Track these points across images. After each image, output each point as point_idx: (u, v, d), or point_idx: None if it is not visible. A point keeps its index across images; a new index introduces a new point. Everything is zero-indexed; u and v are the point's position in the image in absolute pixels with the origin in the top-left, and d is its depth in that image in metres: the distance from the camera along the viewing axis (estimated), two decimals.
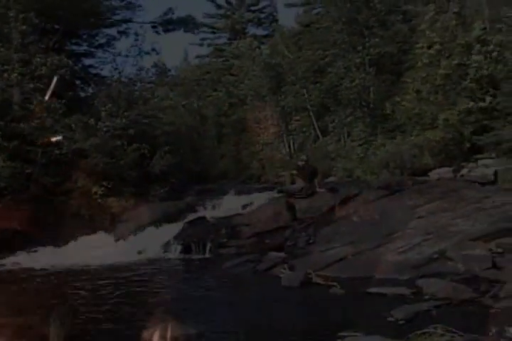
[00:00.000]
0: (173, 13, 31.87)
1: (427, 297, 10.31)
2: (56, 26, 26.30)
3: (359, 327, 8.40)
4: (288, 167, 29.19)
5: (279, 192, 20.60)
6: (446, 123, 22.57)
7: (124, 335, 9.08)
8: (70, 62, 24.33)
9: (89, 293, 12.64)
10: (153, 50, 29.86)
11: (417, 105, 25.02)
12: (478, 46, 23.59)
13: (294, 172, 21.67)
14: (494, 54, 23.40)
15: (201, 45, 56.53)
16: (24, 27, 22.43)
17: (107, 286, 13.40)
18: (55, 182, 20.98)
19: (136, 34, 28.95)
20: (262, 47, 40.52)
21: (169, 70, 50.32)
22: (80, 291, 12.89)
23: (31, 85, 21.89)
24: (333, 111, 35.07)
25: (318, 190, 19.74)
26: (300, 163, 20.90)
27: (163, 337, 7.14)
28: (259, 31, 54.64)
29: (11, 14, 22.30)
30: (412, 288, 10.95)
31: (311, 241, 16.80)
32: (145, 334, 7.98)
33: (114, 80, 27.22)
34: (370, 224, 16.26)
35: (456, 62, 23.41)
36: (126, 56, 28.90)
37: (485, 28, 24.23)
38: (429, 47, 24.74)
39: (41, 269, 15.83)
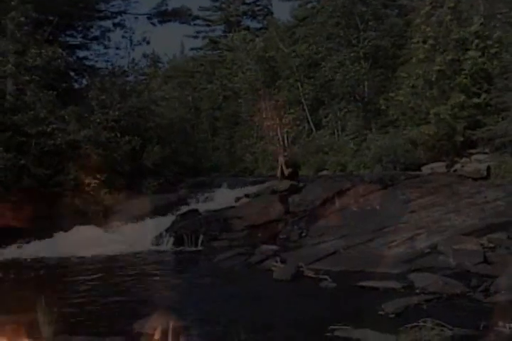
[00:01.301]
0: (166, 5, 31.85)
1: (417, 291, 10.34)
2: (50, 17, 26.13)
3: (349, 320, 8.42)
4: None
5: (273, 192, 20.40)
6: (437, 117, 22.59)
7: (112, 325, 9.10)
8: (64, 54, 24.23)
9: (79, 284, 12.64)
10: (144, 40, 29.83)
11: (412, 100, 25.02)
12: (476, 41, 23.56)
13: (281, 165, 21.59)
14: (492, 50, 23.37)
15: (196, 37, 56.44)
16: (22, 19, 22.33)
17: (98, 278, 13.41)
18: (48, 174, 20.90)
19: (124, 26, 29.16)
20: (257, 40, 40.38)
21: (159, 62, 50.25)
22: (70, 282, 12.92)
23: (26, 77, 21.80)
24: (327, 105, 35.15)
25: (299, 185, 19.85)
26: (281, 160, 20.94)
27: (164, 330, 7.13)
28: (254, 24, 54.61)
29: (13, 3, 22.19)
30: (403, 282, 10.98)
31: (303, 234, 16.85)
32: (146, 328, 8.02)
33: (107, 72, 27.18)
34: (363, 218, 16.33)
35: (450, 57, 23.39)
36: (117, 48, 28.97)
37: (482, 24, 24.20)
38: (424, 42, 24.71)
39: (34, 260, 15.86)
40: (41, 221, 18.49)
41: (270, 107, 35.55)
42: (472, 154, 21.55)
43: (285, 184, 19.67)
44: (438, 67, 23.47)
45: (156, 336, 7.11)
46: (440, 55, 23.73)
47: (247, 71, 39.26)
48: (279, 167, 20.87)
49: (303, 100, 35.81)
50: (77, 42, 31.11)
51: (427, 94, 24.21)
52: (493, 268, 11.55)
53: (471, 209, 15.36)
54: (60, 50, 23.46)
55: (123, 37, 29.30)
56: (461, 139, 22.29)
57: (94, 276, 13.61)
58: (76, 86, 29.98)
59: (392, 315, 8.88)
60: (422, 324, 7.84)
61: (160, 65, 52.74)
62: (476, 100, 22.49)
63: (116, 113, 23.15)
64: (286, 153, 21.62)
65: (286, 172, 20.02)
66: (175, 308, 9.49)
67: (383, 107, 28.64)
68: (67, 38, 30.55)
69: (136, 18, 30.88)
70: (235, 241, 17.22)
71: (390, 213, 16.15)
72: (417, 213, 15.84)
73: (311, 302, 10.29)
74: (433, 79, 23.73)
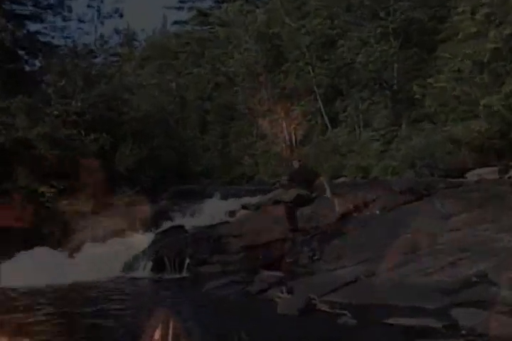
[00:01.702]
0: None
1: (463, 332, 10.19)
2: None
3: None
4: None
5: (275, 202, 20.25)
6: (489, 110, 22.42)
7: None
8: (10, 26, 24.17)
9: (28, 324, 12.52)
10: (116, 11, 29.84)
11: (456, 86, 24.80)
12: None
13: (285, 179, 21.39)
14: None
15: (180, 8, 56.43)
16: None
17: (52, 315, 13.28)
18: None
19: None
20: (257, 12, 40.45)
21: (135, 40, 50.32)
22: (15, 320, 12.80)
23: None
24: (346, 95, 35.15)
25: (328, 194, 19.50)
26: (295, 165, 20.69)
27: (164, 333, 7.26)
28: None
29: None
30: (443, 319, 10.83)
31: (315, 257, 16.76)
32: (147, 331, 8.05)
33: (68, 51, 27.15)
34: (390, 237, 16.19)
35: (508, 32, 23.14)
36: (81, 21, 28.95)
37: None
38: (473, 13, 24.51)
39: None
40: None
41: (274, 97, 35.67)
42: None
43: (292, 193, 19.51)
44: (493, 45, 23.22)
45: (156, 336, 7.24)
46: (495, 29, 23.49)
47: (244, 51, 39.35)
48: (290, 173, 20.74)
49: (315, 88, 35.88)
50: (27, 12, 30.91)
51: (476, 79, 23.99)
52: None
53: None
54: (3, 21, 23.38)
55: (88, 7, 29.34)
56: None
57: (48, 313, 13.48)
58: (27, 68, 29.96)
59: None
60: None
61: (136, 43, 53.11)
62: None
63: (79, 104, 23.16)
64: (296, 156, 21.47)
65: (298, 179, 19.86)
66: None
67: (418, 97, 28.51)
68: (13, 6, 30.34)
69: None
70: (229, 266, 17.20)
71: (425, 231, 16.03)
72: (460, 231, 15.72)
73: None
74: (485, 60, 23.51)
